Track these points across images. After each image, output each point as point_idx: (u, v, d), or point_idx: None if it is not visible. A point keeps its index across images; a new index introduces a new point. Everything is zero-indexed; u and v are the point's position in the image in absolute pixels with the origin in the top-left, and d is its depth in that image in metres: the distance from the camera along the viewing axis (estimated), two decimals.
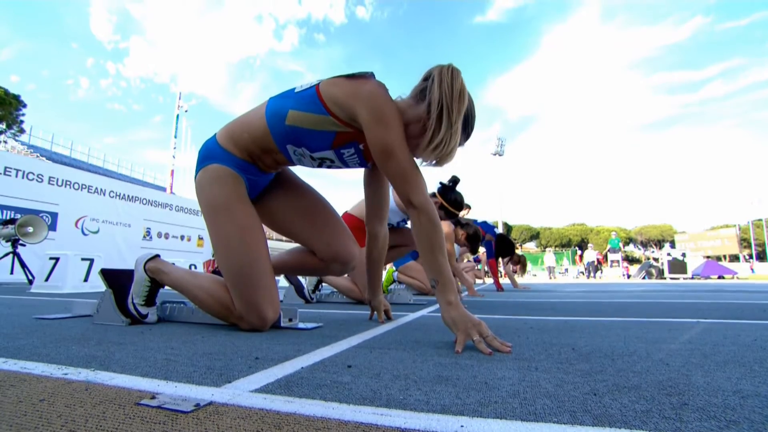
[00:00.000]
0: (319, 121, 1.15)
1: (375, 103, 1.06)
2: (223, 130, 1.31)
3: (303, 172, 1.51)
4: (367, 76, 1.15)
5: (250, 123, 1.25)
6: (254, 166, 1.29)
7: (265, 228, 1.41)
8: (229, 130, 1.29)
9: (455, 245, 4.71)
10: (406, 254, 2.91)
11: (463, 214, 6.09)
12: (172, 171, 15.57)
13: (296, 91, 1.20)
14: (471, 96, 1.15)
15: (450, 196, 2.50)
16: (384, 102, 1.07)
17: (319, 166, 1.32)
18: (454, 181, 2.55)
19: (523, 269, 6.24)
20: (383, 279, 3.21)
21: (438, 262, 1.05)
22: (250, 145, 1.25)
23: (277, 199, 1.46)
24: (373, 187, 1.47)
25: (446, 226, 3.56)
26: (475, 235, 3.82)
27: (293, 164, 1.36)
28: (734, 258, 30.10)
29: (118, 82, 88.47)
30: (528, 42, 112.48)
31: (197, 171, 1.31)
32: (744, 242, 36.57)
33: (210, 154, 1.28)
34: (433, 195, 2.57)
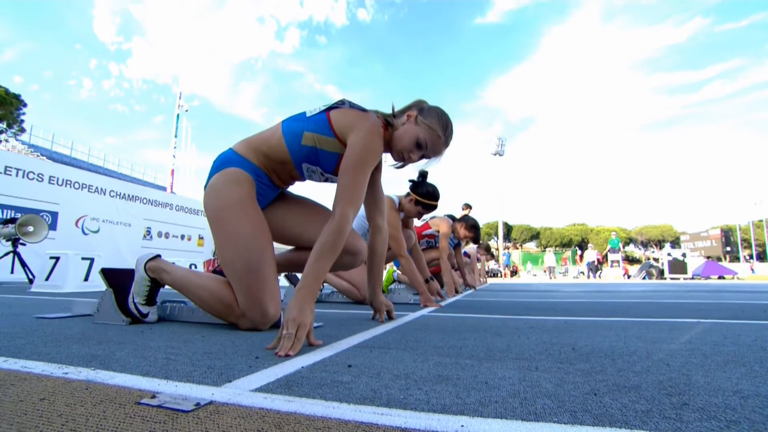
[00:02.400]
0: (328, 143, 1.29)
1: (366, 134, 1.22)
2: (240, 143, 1.42)
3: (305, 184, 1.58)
4: (370, 113, 1.32)
5: (269, 140, 1.37)
6: (267, 176, 1.40)
7: None
8: (248, 142, 1.40)
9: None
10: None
11: (464, 213, 6.10)
12: (173, 170, 15.58)
13: (308, 115, 1.33)
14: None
15: (421, 189, 2.56)
16: (372, 136, 1.23)
17: (325, 181, 1.43)
18: (423, 174, 2.60)
19: (489, 254, 7.21)
20: (383, 278, 3.21)
21: (319, 266, 1.08)
22: (269, 156, 1.36)
23: (279, 209, 1.52)
24: (369, 189, 1.56)
25: (445, 225, 3.55)
26: (475, 225, 3.85)
27: (303, 180, 1.48)
28: (734, 258, 30.09)
29: (121, 83, 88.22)
30: (528, 43, 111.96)
31: (211, 176, 1.38)
32: (745, 242, 36.56)
33: (227, 160, 1.38)
34: (407, 194, 2.62)
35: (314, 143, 1.30)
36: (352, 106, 1.34)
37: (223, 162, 1.38)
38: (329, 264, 1.10)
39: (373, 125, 1.25)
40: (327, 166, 1.35)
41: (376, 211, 1.61)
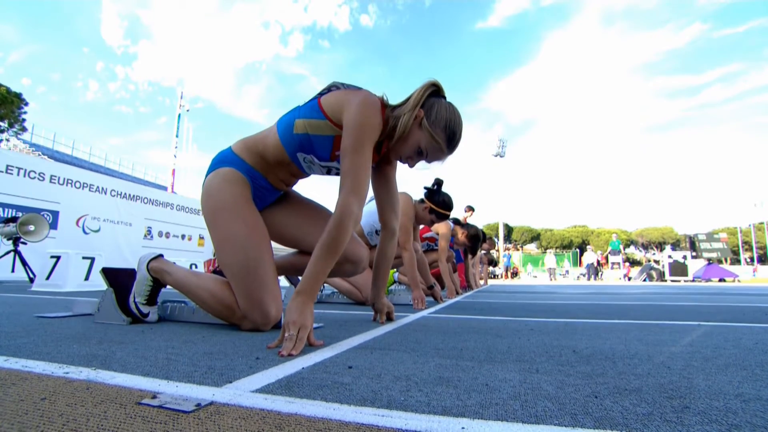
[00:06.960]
0: (319, 126, 1.25)
1: (359, 107, 1.16)
2: (238, 143, 1.41)
3: (312, 183, 1.55)
4: (361, 89, 1.26)
5: (265, 138, 1.36)
6: (264, 178, 1.38)
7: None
8: (245, 142, 1.40)
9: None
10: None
11: (466, 216, 6.10)
12: (174, 170, 15.60)
13: (300, 105, 1.32)
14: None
15: (437, 198, 2.56)
16: (366, 109, 1.15)
17: (328, 173, 1.39)
18: (438, 183, 2.60)
19: (491, 263, 7.47)
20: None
21: (319, 266, 1.06)
22: (265, 156, 1.35)
23: (281, 211, 1.51)
24: (382, 185, 1.50)
25: (444, 226, 3.56)
26: (476, 235, 3.82)
27: (306, 174, 1.44)
28: (735, 261, 30.08)
29: (127, 85, 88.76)
30: (528, 47, 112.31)
31: (207, 175, 1.38)
32: (746, 245, 36.52)
33: (223, 159, 1.38)
34: (422, 201, 2.60)
35: (306, 130, 1.25)
36: (347, 87, 1.28)
37: (219, 161, 1.38)
38: (330, 263, 1.07)
39: (365, 97, 1.17)
40: (321, 153, 1.28)
41: (390, 212, 1.51)
